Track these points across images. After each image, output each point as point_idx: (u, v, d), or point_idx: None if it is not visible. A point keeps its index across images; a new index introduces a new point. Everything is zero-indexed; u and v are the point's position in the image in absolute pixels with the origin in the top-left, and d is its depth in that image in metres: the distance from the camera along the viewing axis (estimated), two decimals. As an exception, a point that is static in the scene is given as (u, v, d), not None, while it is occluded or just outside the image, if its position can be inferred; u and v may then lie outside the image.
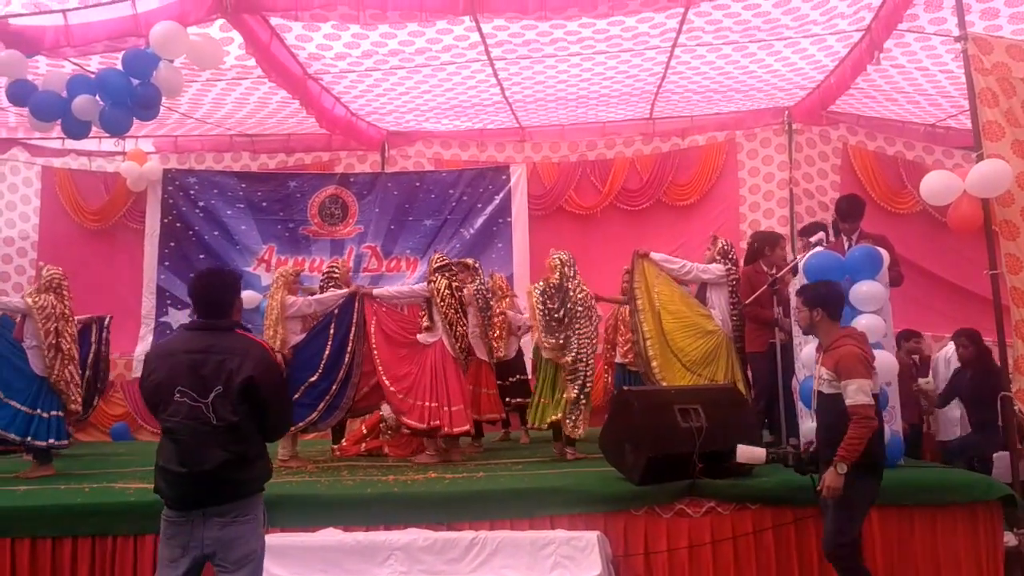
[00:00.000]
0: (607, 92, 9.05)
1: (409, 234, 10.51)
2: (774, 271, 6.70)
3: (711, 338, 6.64)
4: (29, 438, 6.55)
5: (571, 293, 6.64)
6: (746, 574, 4.93)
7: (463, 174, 10.57)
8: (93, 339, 8.02)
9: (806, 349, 5.64)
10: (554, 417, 6.66)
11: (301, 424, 6.71)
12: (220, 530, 3.37)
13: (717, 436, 5.12)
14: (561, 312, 6.60)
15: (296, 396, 6.58)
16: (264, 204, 10.55)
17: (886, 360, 5.39)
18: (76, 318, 7.99)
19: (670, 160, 10.31)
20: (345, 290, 7.17)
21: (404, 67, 8.02)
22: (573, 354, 6.54)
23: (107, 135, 8.49)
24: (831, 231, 6.81)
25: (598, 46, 7.56)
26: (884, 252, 5.78)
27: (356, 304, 6.99)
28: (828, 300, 4.41)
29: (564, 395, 6.57)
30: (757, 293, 6.44)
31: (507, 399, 7.83)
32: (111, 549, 4.94)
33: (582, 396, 6.53)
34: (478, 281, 7.50)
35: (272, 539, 4.76)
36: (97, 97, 6.61)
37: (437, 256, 7.28)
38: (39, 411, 6.61)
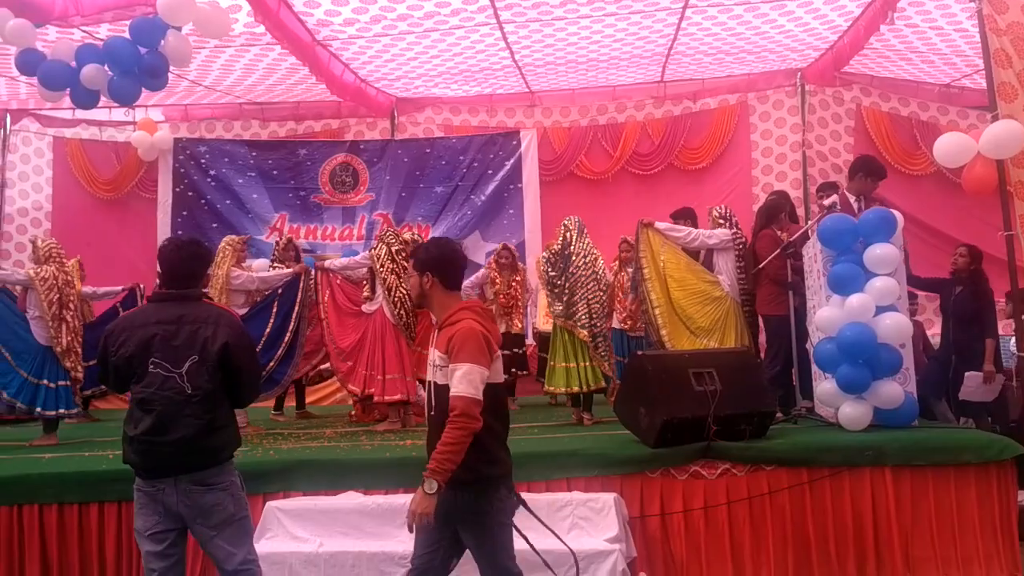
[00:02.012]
0: (617, 55, 8.97)
1: (420, 201, 10.51)
2: (785, 235, 6.72)
3: (719, 304, 6.64)
4: (38, 408, 6.62)
5: (573, 259, 6.66)
6: (761, 534, 4.97)
7: (473, 140, 10.53)
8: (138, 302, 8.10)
9: (820, 312, 5.66)
10: (572, 388, 6.70)
11: None
12: (196, 497, 3.43)
13: (731, 399, 5.16)
14: (562, 279, 6.66)
15: None
16: (275, 172, 10.56)
17: (901, 322, 5.41)
18: (116, 287, 8.07)
19: (681, 123, 10.25)
20: (290, 270, 7.32)
21: (412, 32, 7.97)
22: (587, 327, 6.58)
23: (117, 105, 8.49)
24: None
25: (608, 8, 7.49)
26: (898, 214, 5.77)
27: (300, 283, 7.17)
28: (442, 264, 3.41)
29: (588, 364, 6.63)
30: (769, 258, 6.45)
31: (512, 370, 8.03)
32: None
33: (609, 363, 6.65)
34: None
35: (294, 502, 4.89)
36: (106, 67, 6.60)
37: (386, 228, 7.45)
38: (45, 381, 6.67)
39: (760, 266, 6.50)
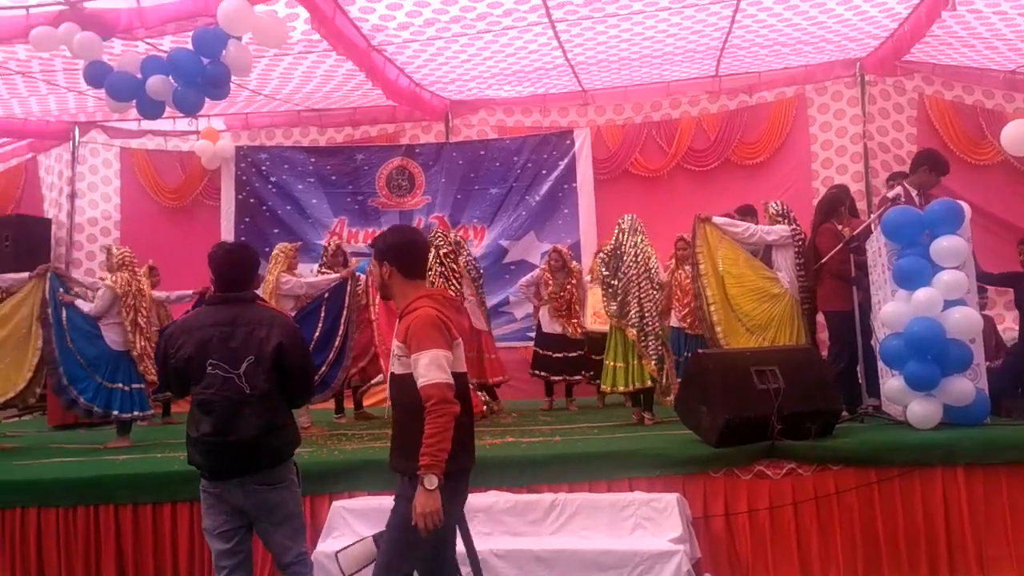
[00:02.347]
0: (671, 50, 8.90)
1: (475, 203, 10.57)
2: (846, 229, 6.59)
3: (776, 301, 6.52)
4: (114, 411, 6.83)
5: (625, 258, 6.64)
6: (829, 535, 4.88)
7: (527, 141, 10.55)
8: None
9: (886, 307, 5.54)
10: (630, 387, 6.67)
11: None
12: (260, 496, 3.52)
13: (795, 397, 5.08)
14: (615, 279, 6.64)
15: None
16: (333, 177, 10.73)
17: (970, 316, 5.27)
18: (187, 291, 8.29)
19: (738, 118, 10.12)
20: (336, 275, 7.41)
21: (466, 33, 8.03)
22: (636, 326, 6.54)
23: (181, 115, 8.73)
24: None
25: (661, 2, 7.45)
26: (965, 205, 5.62)
27: (348, 288, 7.27)
28: (401, 252, 3.33)
29: (642, 362, 6.57)
30: (832, 252, 6.31)
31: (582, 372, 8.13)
32: (208, 513, 5.17)
33: (663, 363, 6.56)
34: (465, 254, 7.75)
35: (359, 502, 4.98)
36: (170, 77, 6.79)
37: (436, 231, 7.55)
38: (119, 384, 6.87)
39: (822, 261, 6.37)
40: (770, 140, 10.01)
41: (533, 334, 9.14)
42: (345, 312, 7.20)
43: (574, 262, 8.61)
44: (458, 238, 7.86)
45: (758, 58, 9.49)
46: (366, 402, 8.52)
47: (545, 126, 10.62)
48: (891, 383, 5.52)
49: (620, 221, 6.86)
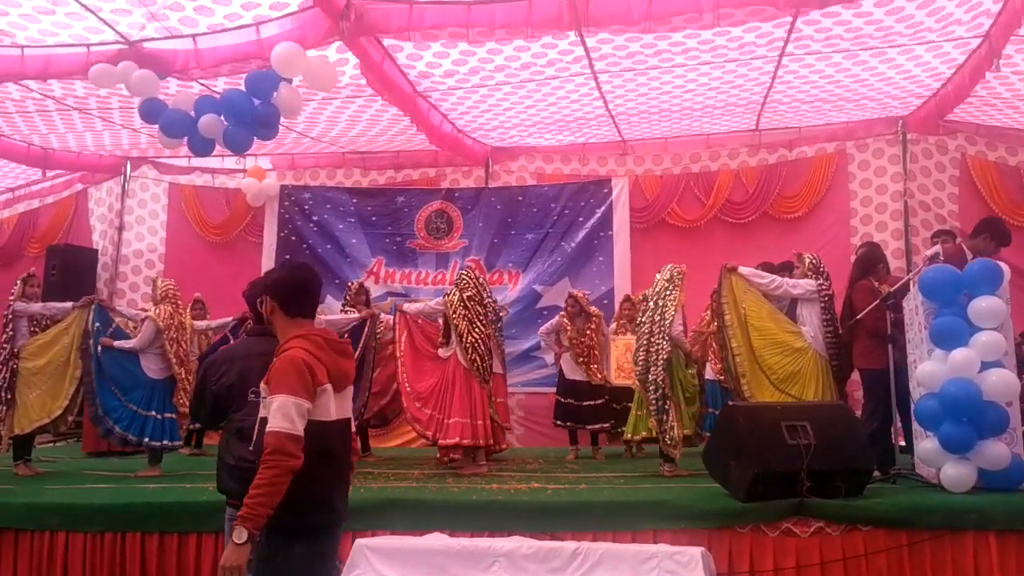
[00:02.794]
0: (712, 103, 8.97)
1: (511, 248, 10.66)
2: (883, 286, 6.53)
3: (800, 356, 6.46)
4: (146, 439, 6.93)
5: (648, 306, 6.73)
6: (857, 598, 4.79)
7: (565, 188, 10.65)
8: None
9: (922, 366, 5.46)
10: (639, 435, 6.75)
11: None
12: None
13: (826, 454, 5.01)
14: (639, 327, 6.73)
15: None
16: (374, 218, 10.90)
17: (1008, 379, 5.17)
18: (227, 319, 8.47)
19: (777, 172, 10.13)
20: (357, 315, 7.55)
21: (509, 82, 8.18)
22: (640, 376, 6.62)
23: (229, 153, 8.98)
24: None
25: (703, 57, 7.52)
26: (1004, 266, 5.55)
27: (366, 328, 7.36)
28: (281, 288, 3.24)
29: (643, 412, 6.64)
30: (868, 308, 6.26)
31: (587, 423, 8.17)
32: (231, 546, 5.21)
33: (662, 414, 6.50)
34: (487, 296, 7.73)
35: (381, 541, 4.98)
36: (221, 117, 7.01)
37: (461, 273, 7.59)
38: (153, 412, 7.00)
39: (858, 317, 6.31)
40: (809, 195, 9.99)
41: (559, 380, 9.15)
42: (360, 351, 7.26)
43: (592, 307, 8.61)
44: (482, 280, 7.93)
45: (799, 113, 9.52)
46: (392, 442, 8.55)
47: (583, 174, 10.72)
48: (925, 444, 5.41)
49: (661, 271, 6.92)
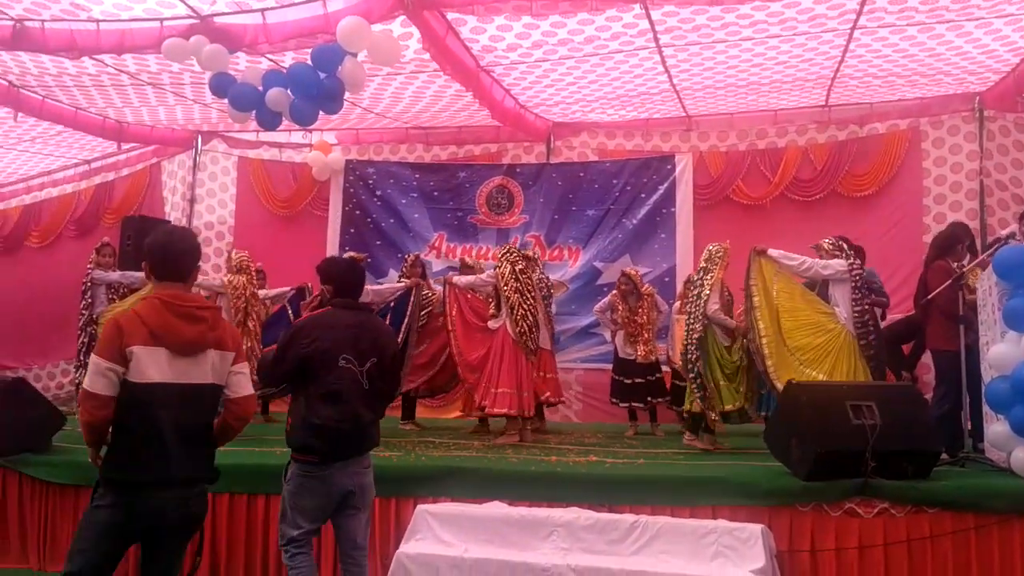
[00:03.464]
0: (779, 78, 8.78)
1: (572, 224, 10.62)
2: (962, 266, 6.39)
3: (832, 336, 6.44)
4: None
5: (695, 288, 6.81)
6: (920, 580, 4.72)
7: (627, 164, 10.56)
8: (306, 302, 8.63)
9: (994, 348, 5.33)
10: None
11: None
12: (361, 477, 4.01)
13: (892, 435, 4.92)
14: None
15: None
16: (435, 193, 10.99)
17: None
18: (286, 288, 8.72)
19: (847, 149, 9.87)
20: (402, 284, 7.65)
21: (572, 57, 8.13)
22: (682, 356, 6.80)
23: (296, 127, 9.14)
24: None
25: (771, 29, 7.36)
26: None
27: (412, 297, 7.46)
28: (154, 252, 3.34)
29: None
30: (939, 289, 6.13)
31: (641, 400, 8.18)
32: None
33: (702, 390, 6.63)
34: (538, 271, 7.83)
35: (442, 507, 5.07)
36: (288, 91, 7.13)
37: (505, 246, 7.76)
38: None
39: (928, 297, 6.18)
40: (880, 173, 9.73)
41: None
42: (407, 320, 7.36)
43: (646, 286, 8.57)
44: (531, 254, 7.93)
45: (871, 88, 9.26)
46: (448, 414, 8.65)
47: (646, 150, 10.60)
48: (995, 428, 5.29)
49: (707, 250, 7.02)
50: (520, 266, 7.25)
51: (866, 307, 6.48)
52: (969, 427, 6.21)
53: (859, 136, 9.88)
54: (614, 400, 8.40)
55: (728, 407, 6.71)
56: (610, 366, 9.66)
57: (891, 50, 7.89)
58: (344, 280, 4.18)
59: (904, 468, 4.93)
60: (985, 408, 5.58)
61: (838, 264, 6.56)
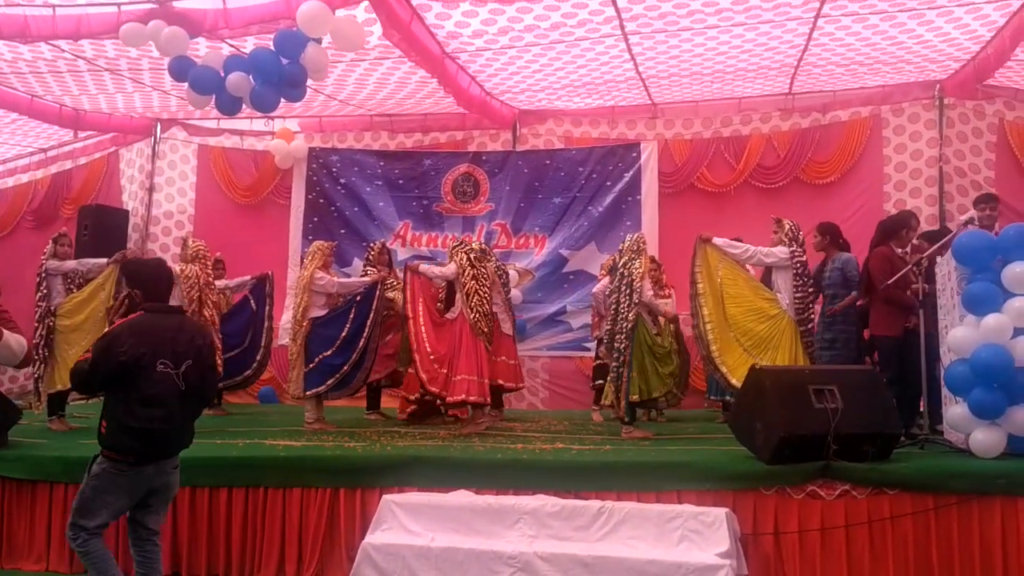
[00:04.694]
0: (744, 66, 8.83)
1: (538, 212, 10.60)
2: (904, 253, 6.60)
3: (774, 322, 6.57)
4: None
5: (617, 277, 6.81)
6: (881, 561, 4.77)
7: (593, 152, 10.55)
8: (267, 292, 8.60)
9: (953, 332, 5.40)
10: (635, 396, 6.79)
11: (309, 392, 7.17)
12: (168, 476, 4.11)
13: (853, 418, 4.99)
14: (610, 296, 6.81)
15: (310, 366, 7.16)
16: (401, 182, 10.90)
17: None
18: (246, 277, 8.61)
19: (809, 136, 9.96)
20: (367, 279, 7.56)
21: (539, 43, 8.10)
22: (607, 344, 6.78)
23: (258, 115, 9.01)
24: None
25: (736, 18, 7.40)
26: None
27: (377, 292, 7.38)
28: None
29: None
30: (898, 275, 6.25)
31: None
32: (262, 499, 5.33)
33: (619, 378, 6.59)
34: (493, 261, 7.83)
35: (408, 497, 5.05)
36: (250, 77, 7.02)
37: (452, 238, 7.68)
38: None
39: (889, 283, 6.28)
40: (842, 160, 9.83)
41: (589, 344, 9.14)
42: (372, 315, 7.30)
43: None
44: (483, 246, 7.92)
45: (834, 76, 9.35)
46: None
47: (612, 138, 10.61)
48: (954, 410, 5.37)
49: (622, 241, 7.01)
50: (475, 255, 7.24)
51: (808, 294, 6.61)
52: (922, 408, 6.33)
53: (822, 124, 9.98)
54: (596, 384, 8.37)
55: (656, 394, 6.93)
56: (576, 353, 9.71)
57: (854, 38, 7.97)
58: (154, 283, 4.19)
59: (865, 451, 5.00)
60: (944, 391, 5.67)
61: (780, 251, 6.68)
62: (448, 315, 7.33)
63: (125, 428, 3.89)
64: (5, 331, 4.04)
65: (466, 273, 7.14)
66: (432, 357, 7.11)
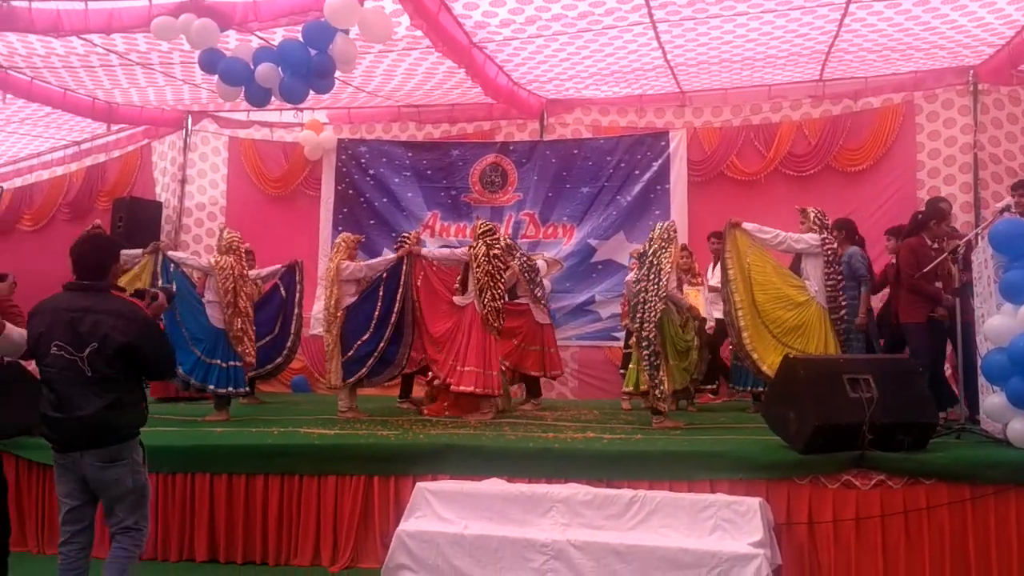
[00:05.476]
0: (774, 53, 8.74)
1: (566, 201, 10.58)
2: (936, 244, 6.56)
3: (802, 309, 6.55)
4: (211, 386, 7.12)
5: (646, 266, 6.71)
6: (917, 551, 4.75)
7: (621, 141, 10.50)
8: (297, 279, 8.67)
9: (990, 320, 5.34)
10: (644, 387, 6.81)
11: (351, 380, 7.22)
12: (98, 472, 3.69)
13: (889, 408, 4.95)
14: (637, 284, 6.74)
15: (349, 354, 7.18)
16: (429, 172, 10.93)
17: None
18: (276, 266, 8.65)
19: (841, 123, 9.84)
20: (392, 256, 7.56)
21: (566, 32, 8.07)
22: (636, 333, 6.65)
23: (287, 106, 9.06)
24: None
25: (767, 4, 7.32)
26: None
27: (404, 267, 7.35)
28: None
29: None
30: (932, 265, 6.23)
31: None
32: (298, 486, 5.40)
33: (654, 369, 6.50)
34: (519, 254, 7.83)
35: (441, 485, 5.08)
36: (279, 68, 7.07)
37: (481, 222, 7.62)
38: (218, 361, 7.16)
39: (924, 270, 6.25)
40: (874, 147, 9.71)
41: (618, 334, 9.13)
42: (401, 290, 7.29)
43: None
44: (509, 241, 7.94)
45: (865, 63, 9.23)
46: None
47: (640, 126, 10.55)
48: (991, 399, 5.31)
49: (652, 229, 6.90)
50: (495, 251, 7.19)
51: (838, 281, 6.59)
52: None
53: (853, 110, 9.85)
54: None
55: (676, 386, 6.87)
56: (605, 343, 9.69)
57: (886, 24, 7.86)
58: (74, 259, 3.82)
59: (901, 440, 4.95)
60: (981, 380, 5.61)
61: (811, 238, 6.65)
62: (459, 299, 7.30)
63: (39, 412, 3.74)
64: (8, 324, 3.89)
65: (481, 267, 7.07)
66: (429, 337, 7.19)
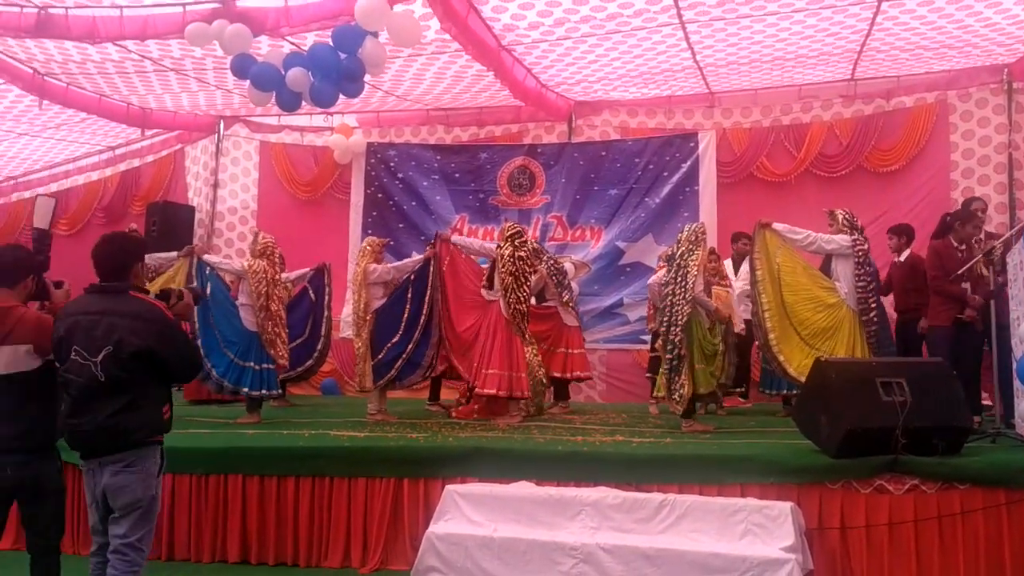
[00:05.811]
0: (805, 52, 8.66)
1: (594, 203, 10.56)
2: (964, 246, 6.54)
3: (832, 311, 6.51)
4: (245, 389, 7.19)
5: (672, 268, 6.66)
6: (951, 557, 4.68)
7: (649, 142, 10.46)
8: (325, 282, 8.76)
9: (1026, 323, 5.26)
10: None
11: (381, 382, 7.22)
12: (110, 477, 3.57)
13: (922, 411, 4.89)
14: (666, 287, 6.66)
15: (379, 356, 7.20)
16: (457, 175, 10.97)
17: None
18: (304, 269, 8.74)
19: (873, 123, 9.73)
20: (419, 256, 7.58)
21: (595, 34, 8.06)
22: (662, 336, 6.59)
23: (317, 111, 9.15)
24: None
25: (797, 3, 7.26)
26: None
27: (431, 268, 7.36)
28: None
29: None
30: (964, 268, 6.14)
31: None
32: (328, 488, 5.44)
33: (674, 372, 6.44)
34: (545, 257, 7.80)
35: (470, 487, 5.10)
36: (309, 73, 7.14)
37: (509, 224, 7.57)
38: (251, 363, 7.22)
39: (958, 273, 6.18)
40: (907, 147, 9.58)
41: (646, 337, 9.09)
42: (429, 291, 7.31)
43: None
44: (536, 245, 7.95)
45: (898, 62, 9.12)
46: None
47: (669, 128, 10.51)
48: (1028, 404, 5.23)
49: (680, 231, 6.82)
50: (521, 253, 7.13)
51: (869, 283, 6.54)
52: (988, 403, 6.22)
53: (886, 110, 9.74)
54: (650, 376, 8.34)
55: (702, 390, 6.68)
56: (633, 346, 9.64)
57: (919, 22, 7.76)
58: (94, 261, 3.70)
59: (935, 445, 4.89)
60: (1016, 384, 5.52)
61: (842, 239, 6.61)
62: (488, 294, 7.27)
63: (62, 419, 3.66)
64: None
65: (505, 268, 7.03)
66: (455, 336, 7.20)
